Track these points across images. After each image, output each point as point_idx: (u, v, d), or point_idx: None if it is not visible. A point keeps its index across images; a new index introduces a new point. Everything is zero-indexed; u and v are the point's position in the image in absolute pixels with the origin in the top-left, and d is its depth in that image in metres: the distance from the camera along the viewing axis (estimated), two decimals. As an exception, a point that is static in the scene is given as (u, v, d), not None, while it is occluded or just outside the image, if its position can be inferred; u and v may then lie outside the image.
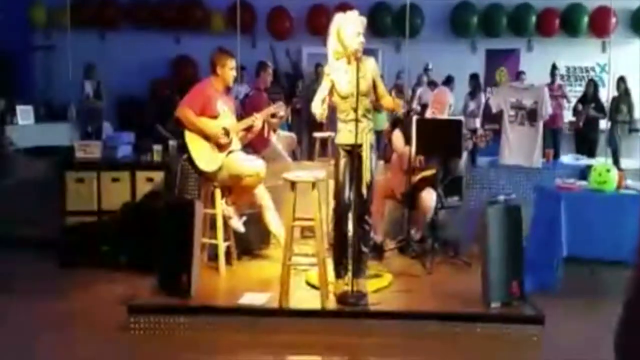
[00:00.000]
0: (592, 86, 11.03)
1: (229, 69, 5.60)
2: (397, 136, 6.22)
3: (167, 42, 12.20)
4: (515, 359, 4.32)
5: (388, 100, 5.03)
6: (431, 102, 6.37)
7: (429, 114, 6.17)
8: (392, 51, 12.37)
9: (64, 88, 10.43)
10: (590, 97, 10.84)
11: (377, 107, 5.30)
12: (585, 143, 10.69)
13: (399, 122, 6.48)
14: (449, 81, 11.46)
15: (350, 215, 4.88)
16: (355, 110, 4.68)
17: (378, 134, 6.60)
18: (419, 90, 10.17)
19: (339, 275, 4.99)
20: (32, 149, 7.69)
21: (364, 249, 4.99)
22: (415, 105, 8.89)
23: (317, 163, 7.78)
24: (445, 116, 6.12)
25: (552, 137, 10.30)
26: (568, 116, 11.35)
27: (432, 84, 10.81)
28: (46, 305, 5.10)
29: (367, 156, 4.80)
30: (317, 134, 8.69)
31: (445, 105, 6.17)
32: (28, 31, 12.23)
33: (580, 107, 10.87)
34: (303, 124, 10.65)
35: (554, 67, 11.10)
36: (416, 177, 5.95)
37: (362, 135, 4.76)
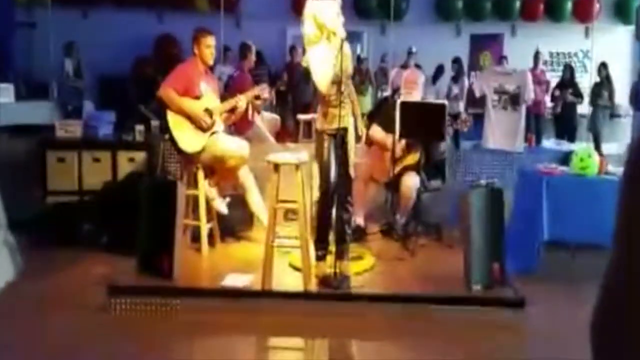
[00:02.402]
0: (569, 71, 11.07)
1: (205, 47, 5.52)
2: (376, 130, 6.20)
3: (151, 21, 12.05)
4: (496, 341, 4.36)
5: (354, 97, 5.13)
6: (403, 83, 6.35)
7: (403, 95, 6.14)
8: (377, 34, 12.33)
9: (45, 66, 10.30)
10: (567, 82, 10.88)
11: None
12: (565, 128, 10.75)
13: (376, 114, 6.47)
14: (440, 71, 11.44)
15: (335, 198, 4.90)
16: (341, 92, 4.70)
17: (362, 116, 6.57)
18: (392, 73, 10.11)
19: (320, 257, 5.00)
20: (13, 128, 7.58)
21: (347, 231, 5.01)
22: (389, 89, 8.90)
23: (301, 145, 7.76)
24: (416, 96, 6.12)
25: (535, 123, 10.34)
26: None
27: (417, 68, 10.80)
28: (25, 285, 5.04)
29: (352, 137, 4.86)
30: (302, 116, 8.67)
31: (418, 84, 6.18)
32: (9, 8, 12.03)
33: (557, 92, 10.92)
34: (287, 105, 10.63)
35: (537, 53, 11.11)
36: (399, 167, 5.95)
37: (346, 117, 4.78)
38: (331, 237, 5.02)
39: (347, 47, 4.90)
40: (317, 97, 5.39)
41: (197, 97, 5.45)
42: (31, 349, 4.03)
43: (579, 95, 10.78)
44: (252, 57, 7.74)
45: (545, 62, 12.18)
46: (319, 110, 4.99)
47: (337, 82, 4.75)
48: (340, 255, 4.89)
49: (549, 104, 11.28)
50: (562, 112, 10.84)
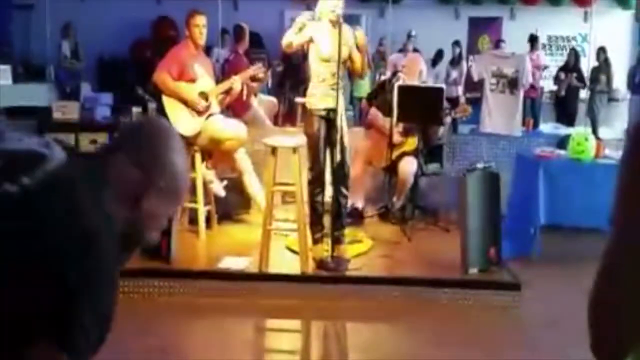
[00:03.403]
0: (574, 55, 11.04)
1: (193, 26, 5.47)
2: (375, 114, 6.20)
3: (149, 3, 11.97)
4: (492, 324, 4.39)
5: (358, 61, 5.03)
6: (401, 67, 6.37)
7: (402, 80, 6.13)
8: (376, 17, 12.27)
9: (43, 48, 10.26)
10: (571, 66, 10.87)
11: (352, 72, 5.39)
12: (566, 112, 10.73)
13: (374, 97, 6.44)
14: (440, 55, 11.38)
15: (328, 180, 4.90)
16: (336, 75, 4.68)
17: (360, 100, 6.59)
18: (393, 57, 10.09)
19: (317, 240, 4.99)
20: (10, 110, 7.56)
21: (343, 214, 5.02)
22: (388, 73, 8.86)
23: (299, 128, 7.74)
24: (415, 82, 6.10)
25: (530, 106, 10.33)
26: (545, 85, 11.36)
27: (416, 52, 10.75)
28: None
29: (345, 120, 4.87)
30: (300, 99, 8.63)
31: (415, 71, 6.16)
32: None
33: (562, 75, 10.89)
34: (285, 88, 10.58)
35: (534, 36, 11.03)
36: (396, 153, 5.95)
37: (339, 100, 4.78)
38: (327, 220, 5.02)
39: (351, 36, 4.88)
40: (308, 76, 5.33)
41: (192, 80, 5.42)
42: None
43: (581, 80, 10.76)
44: (247, 39, 7.68)
45: (544, 46, 12.13)
46: (309, 89, 4.95)
47: (330, 61, 4.73)
48: (337, 238, 4.90)
49: (546, 87, 11.26)
50: (565, 96, 10.83)
